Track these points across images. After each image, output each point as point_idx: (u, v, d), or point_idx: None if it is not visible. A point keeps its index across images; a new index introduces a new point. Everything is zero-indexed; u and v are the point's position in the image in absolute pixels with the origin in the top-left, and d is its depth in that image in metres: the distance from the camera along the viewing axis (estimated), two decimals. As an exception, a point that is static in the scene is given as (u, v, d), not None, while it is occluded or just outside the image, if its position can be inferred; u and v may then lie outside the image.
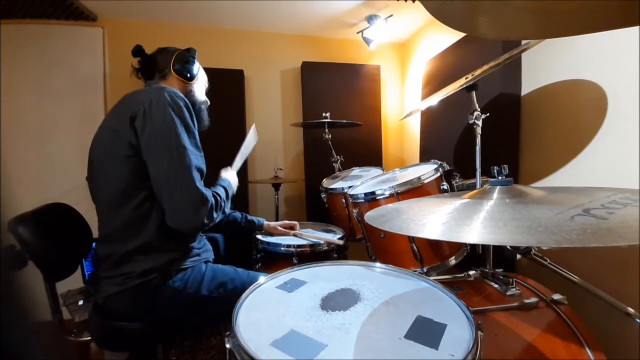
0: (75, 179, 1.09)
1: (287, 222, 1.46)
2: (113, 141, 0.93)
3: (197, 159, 0.94)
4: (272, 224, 1.44)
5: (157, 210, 0.92)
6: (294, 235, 1.41)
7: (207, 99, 1.23)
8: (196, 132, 0.98)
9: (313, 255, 1.27)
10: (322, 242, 1.29)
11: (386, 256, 1.17)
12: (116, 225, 0.93)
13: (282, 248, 1.26)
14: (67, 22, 2.06)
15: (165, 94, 0.93)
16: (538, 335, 0.75)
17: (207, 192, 0.94)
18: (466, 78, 1.13)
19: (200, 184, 0.93)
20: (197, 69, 1.16)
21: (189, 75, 1.12)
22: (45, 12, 1.95)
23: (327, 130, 2.04)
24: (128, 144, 0.90)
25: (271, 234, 1.42)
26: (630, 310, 0.70)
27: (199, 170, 0.95)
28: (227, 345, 0.56)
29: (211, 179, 1.14)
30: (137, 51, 1.13)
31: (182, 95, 0.98)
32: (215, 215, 0.96)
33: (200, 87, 1.19)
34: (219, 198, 1.00)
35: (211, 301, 0.96)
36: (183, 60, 1.11)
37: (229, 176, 1.19)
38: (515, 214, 0.51)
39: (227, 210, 1.08)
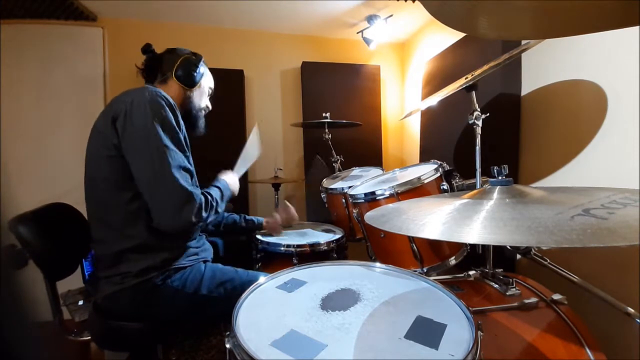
0: (75, 179, 1.08)
1: (280, 213, 1.44)
2: (99, 142, 0.93)
3: (180, 158, 0.93)
4: (270, 219, 1.43)
5: (148, 209, 0.91)
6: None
7: (208, 105, 1.20)
8: (180, 133, 0.96)
9: (313, 255, 1.27)
10: (321, 242, 1.29)
11: (386, 256, 1.17)
12: (108, 225, 0.93)
13: (282, 248, 1.26)
14: (67, 22, 2.06)
15: (147, 94, 0.92)
16: (538, 335, 0.75)
17: (195, 191, 0.93)
18: (466, 78, 1.13)
19: (185, 182, 0.91)
20: (201, 75, 1.13)
21: (190, 82, 1.09)
22: (45, 12, 1.95)
23: (327, 130, 2.04)
24: (112, 145, 0.90)
25: (271, 234, 1.42)
26: (630, 310, 0.70)
27: (185, 169, 0.93)
28: (227, 345, 0.56)
29: (211, 179, 1.14)
30: (146, 49, 1.11)
31: (165, 95, 0.96)
32: (204, 214, 0.95)
33: (201, 93, 1.16)
34: (209, 197, 0.98)
35: (210, 301, 0.95)
36: (188, 67, 1.08)
37: (228, 178, 1.18)
38: (515, 214, 0.50)
39: (220, 210, 1.05)
